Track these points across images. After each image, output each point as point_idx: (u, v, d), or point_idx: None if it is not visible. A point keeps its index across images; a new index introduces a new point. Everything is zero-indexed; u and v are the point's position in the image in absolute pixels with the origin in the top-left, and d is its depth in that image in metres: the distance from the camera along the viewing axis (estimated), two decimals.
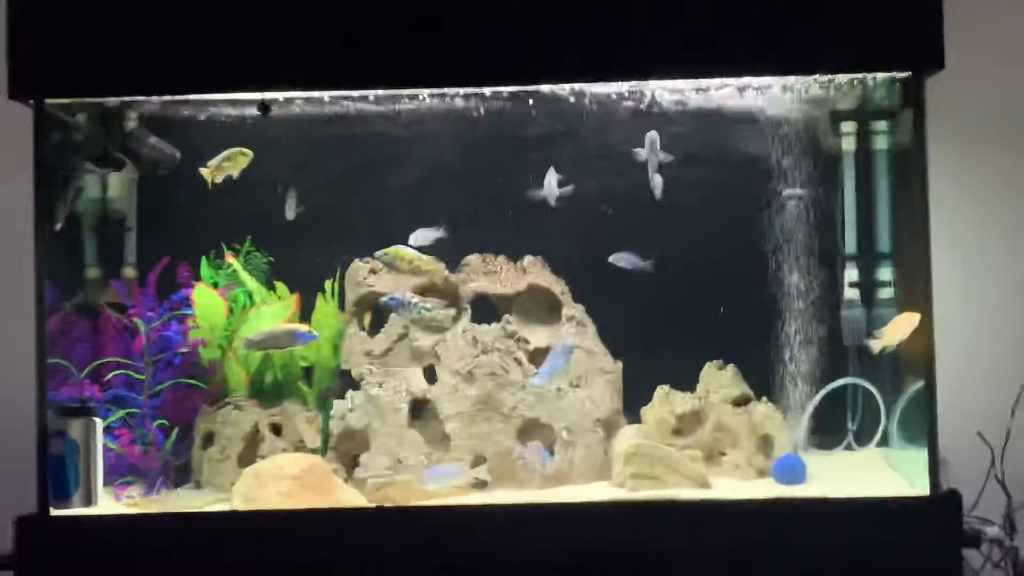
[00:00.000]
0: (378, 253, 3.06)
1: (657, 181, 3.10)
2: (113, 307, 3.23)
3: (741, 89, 3.14)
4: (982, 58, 3.29)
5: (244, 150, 3.01)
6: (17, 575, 2.75)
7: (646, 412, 3.24)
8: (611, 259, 3.18)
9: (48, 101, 2.88)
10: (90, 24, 2.84)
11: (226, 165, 2.99)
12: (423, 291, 3.21)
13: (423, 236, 3.16)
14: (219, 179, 2.99)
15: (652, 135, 3.07)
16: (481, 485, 3.02)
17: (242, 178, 3.11)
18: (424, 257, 3.06)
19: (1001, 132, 3.35)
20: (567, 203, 3.22)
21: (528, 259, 3.30)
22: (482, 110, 3.19)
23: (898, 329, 2.86)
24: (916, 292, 2.84)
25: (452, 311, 3.21)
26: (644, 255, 3.17)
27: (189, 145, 3.22)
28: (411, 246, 3.11)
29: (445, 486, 2.94)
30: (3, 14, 2.84)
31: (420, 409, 3.18)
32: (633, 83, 3.04)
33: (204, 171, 3.00)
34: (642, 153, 3.09)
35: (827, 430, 3.34)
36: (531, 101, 3.13)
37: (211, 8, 2.84)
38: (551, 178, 3.16)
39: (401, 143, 3.37)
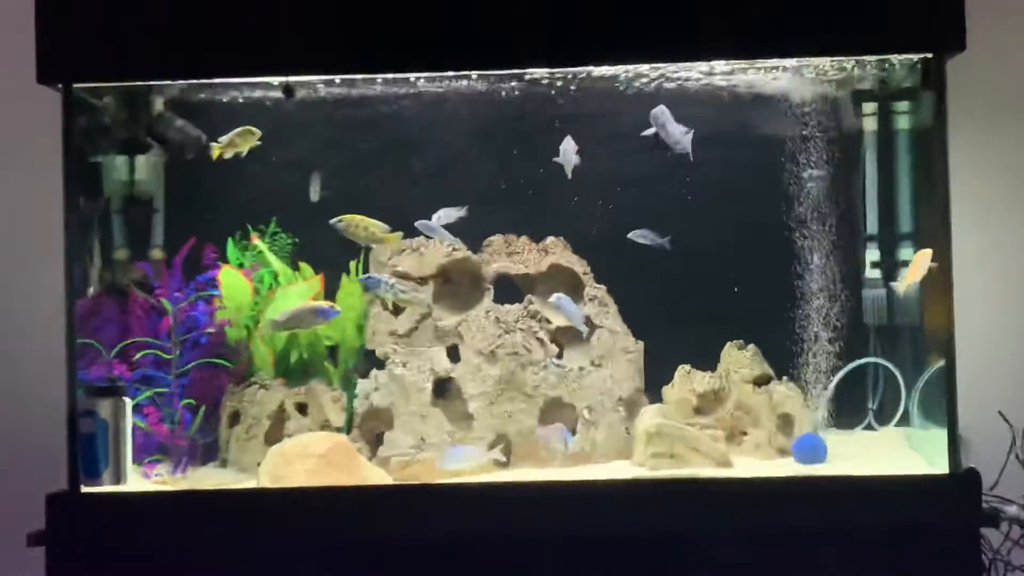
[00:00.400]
0: (332, 220, 3.04)
1: (684, 141, 2.99)
2: (140, 286, 3.27)
3: (762, 70, 3.14)
4: (1003, 38, 3.28)
5: (252, 128, 3.02)
6: (48, 551, 2.80)
7: (667, 391, 3.26)
8: (631, 235, 3.20)
9: (76, 85, 2.91)
10: (117, 8, 2.86)
11: (237, 141, 3.01)
12: (446, 272, 3.24)
13: (447, 215, 3.19)
14: (228, 155, 3.01)
15: (655, 111, 2.98)
16: (500, 465, 3.04)
17: (268, 160, 3.15)
18: (379, 224, 3.06)
19: (1021, 111, 3.34)
20: (589, 183, 3.24)
21: (550, 239, 3.32)
22: (506, 92, 3.21)
23: (917, 267, 2.86)
24: (937, 271, 2.84)
25: (425, 295, 3.23)
26: (663, 233, 3.19)
27: (215, 128, 3.26)
28: (439, 224, 3.15)
29: (464, 467, 2.97)
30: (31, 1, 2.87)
31: (443, 388, 3.21)
32: (661, 65, 3.05)
33: (215, 146, 3.02)
34: (650, 133, 3.01)
35: (847, 409, 3.35)
36: (557, 83, 3.15)
37: None
38: (568, 146, 3.09)
39: (426, 124, 3.39)
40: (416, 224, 3.16)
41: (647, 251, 3.22)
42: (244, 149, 3.01)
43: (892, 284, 3.00)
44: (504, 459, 3.05)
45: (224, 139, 3.01)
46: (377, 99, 3.29)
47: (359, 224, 3.03)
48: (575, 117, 3.30)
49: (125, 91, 3.20)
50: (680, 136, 2.97)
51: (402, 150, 3.45)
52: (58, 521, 2.80)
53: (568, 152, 3.09)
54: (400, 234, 3.10)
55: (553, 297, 3.09)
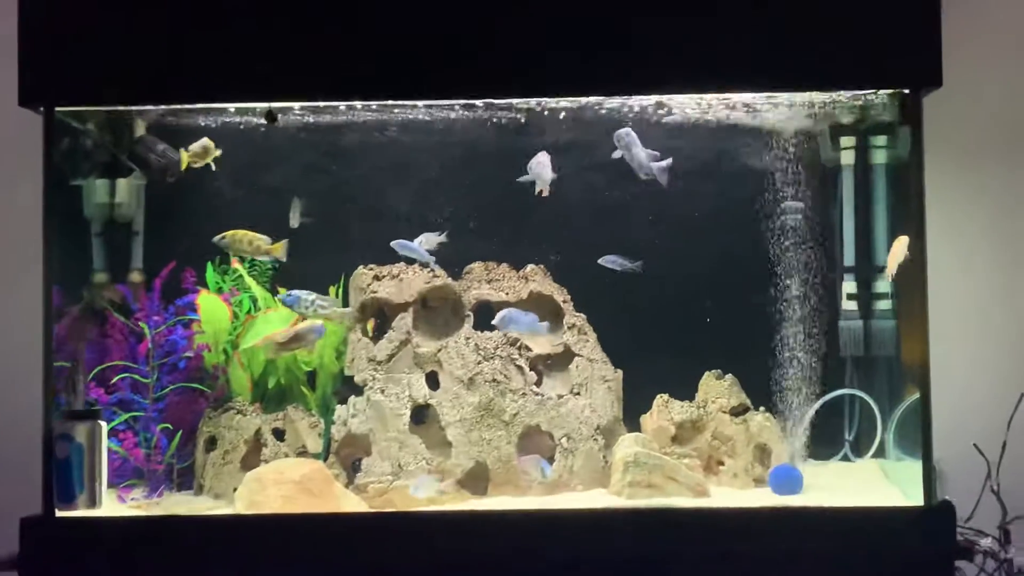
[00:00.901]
0: (216, 238, 3.04)
1: (649, 166, 2.94)
2: (115, 305, 3.26)
3: (743, 103, 3.17)
4: (978, 74, 3.32)
5: (210, 144, 3.05)
6: (21, 575, 2.78)
7: (645, 420, 3.27)
8: (601, 261, 3.23)
9: (58, 108, 2.92)
10: (99, 33, 2.87)
11: (202, 153, 3.03)
12: (425, 299, 3.25)
13: (428, 239, 3.20)
14: (196, 165, 3.03)
15: (619, 132, 2.95)
16: (448, 495, 3.03)
17: (249, 184, 3.15)
18: (262, 237, 3.07)
19: (997, 146, 3.38)
20: (568, 211, 3.26)
21: (530, 267, 3.33)
22: (491, 120, 3.23)
23: (895, 255, 2.89)
24: (913, 304, 2.87)
25: (349, 310, 3.23)
26: (635, 259, 3.23)
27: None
28: (420, 248, 3.17)
29: (424, 495, 2.98)
30: (15, 23, 2.87)
31: (422, 415, 3.21)
32: (639, 97, 3.08)
33: (184, 153, 3.05)
34: (618, 154, 2.98)
35: (824, 440, 3.37)
36: (536, 110, 3.18)
37: (219, 18, 2.87)
38: (542, 160, 3.03)
39: (407, 151, 3.41)
40: (391, 244, 3.18)
41: (626, 281, 3.24)
42: (201, 164, 3.02)
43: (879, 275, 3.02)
44: (446, 491, 3.04)
45: (194, 147, 3.03)
46: (358, 126, 3.30)
47: (243, 239, 3.05)
48: (559, 146, 3.32)
49: (106, 115, 3.20)
50: (645, 160, 2.95)
51: (383, 176, 3.46)
52: (32, 545, 2.78)
53: (543, 166, 3.03)
54: (285, 242, 3.11)
55: (497, 319, 3.08)
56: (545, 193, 3.03)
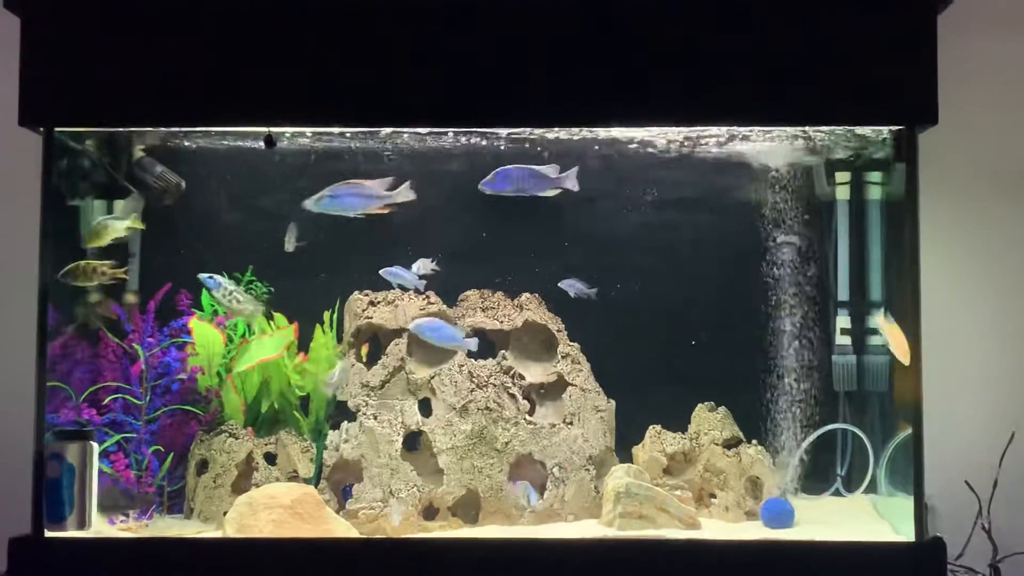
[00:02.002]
0: (59, 275, 3.01)
1: (558, 179, 3.11)
2: (105, 321, 3.26)
3: (739, 138, 3.19)
4: (975, 112, 3.34)
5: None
6: None
7: (637, 451, 3.27)
8: (560, 284, 3.29)
9: (57, 129, 2.93)
10: (100, 54, 2.88)
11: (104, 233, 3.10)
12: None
13: (424, 265, 3.22)
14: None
15: (499, 180, 3.09)
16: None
17: (245, 209, 3.16)
18: (105, 263, 3.08)
19: (993, 184, 3.39)
20: (565, 239, 3.27)
21: (525, 296, 3.34)
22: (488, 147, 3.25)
23: (900, 343, 2.92)
24: (906, 339, 2.88)
25: (261, 307, 3.23)
26: (591, 284, 3.29)
27: (195, 174, 3.29)
28: (408, 275, 3.21)
29: (401, 520, 2.98)
30: (16, 43, 2.88)
31: (414, 442, 3.21)
32: (635, 129, 3.10)
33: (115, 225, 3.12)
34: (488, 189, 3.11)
35: (816, 475, 3.37)
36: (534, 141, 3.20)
37: (219, 41, 2.89)
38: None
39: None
40: (380, 272, 3.19)
41: (621, 311, 3.26)
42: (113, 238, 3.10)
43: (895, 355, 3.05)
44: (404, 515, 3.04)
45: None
46: (354, 152, 3.31)
47: (85, 268, 3.05)
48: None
49: (105, 136, 3.21)
50: (550, 174, 3.08)
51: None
52: (20, 565, 2.77)
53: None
54: (125, 269, 3.14)
55: (413, 325, 3.17)
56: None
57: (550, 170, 3.10)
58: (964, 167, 3.37)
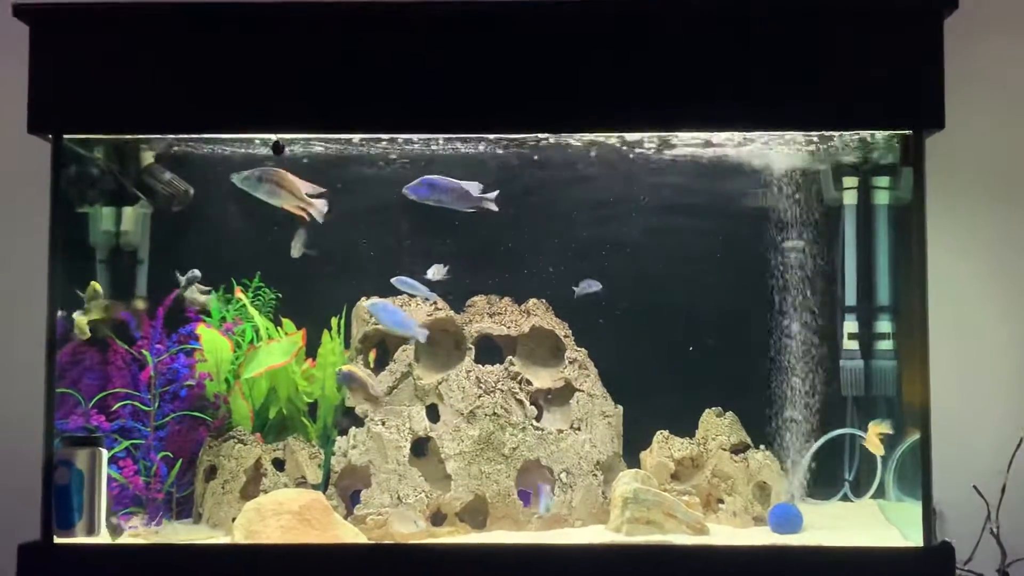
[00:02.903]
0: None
1: (480, 198, 3.10)
2: (121, 337, 3.27)
3: (746, 143, 3.20)
4: (982, 116, 3.34)
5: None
6: None
7: (645, 457, 3.27)
8: (577, 285, 3.32)
9: (66, 136, 2.94)
10: (108, 62, 2.90)
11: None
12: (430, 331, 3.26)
13: (436, 271, 3.23)
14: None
15: (421, 187, 3.08)
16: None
17: (254, 215, 3.17)
18: (95, 285, 3.15)
19: (999, 188, 3.39)
20: (574, 250, 3.27)
21: (532, 301, 3.34)
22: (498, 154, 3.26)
23: (876, 446, 3.06)
24: (914, 344, 2.88)
25: (209, 299, 3.28)
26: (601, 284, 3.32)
27: (204, 181, 3.30)
28: (421, 286, 3.21)
29: (410, 530, 2.98)
30: (24, 50, 2.90)
31: (422, 448, 3.21)
32: (643, 134, 3.11)
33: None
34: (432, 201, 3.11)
35: (824, 480, 3.37)
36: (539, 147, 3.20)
37: (227, 48, 2.90)
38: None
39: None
40: (392, 281, 3.19)
41: (629, 316, 3.26)
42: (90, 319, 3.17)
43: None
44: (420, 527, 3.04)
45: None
46: (364, 158, 3.32)
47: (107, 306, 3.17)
48: (562, 181, 3.35)
49: (114, 143, 3.23)
50: (474, 192, 3.07)
51: (389, 209, 3.47)
52: (30, 571, 2.78)
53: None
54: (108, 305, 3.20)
55: (368, 304, 3.19)
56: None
57: (473, 187, 3.08)
58: (971, 170, 3.36)
